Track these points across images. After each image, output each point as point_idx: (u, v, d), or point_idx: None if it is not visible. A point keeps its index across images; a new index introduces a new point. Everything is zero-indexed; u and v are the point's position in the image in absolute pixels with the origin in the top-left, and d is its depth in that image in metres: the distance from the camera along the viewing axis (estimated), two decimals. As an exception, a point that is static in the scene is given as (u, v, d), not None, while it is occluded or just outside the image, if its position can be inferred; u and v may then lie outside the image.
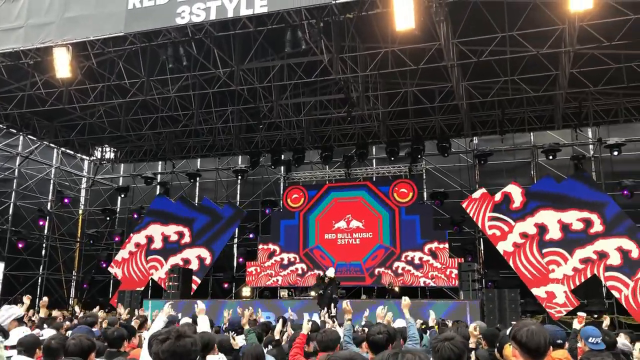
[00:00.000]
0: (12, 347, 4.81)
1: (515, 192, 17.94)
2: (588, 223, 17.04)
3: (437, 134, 20.09)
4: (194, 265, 20.87)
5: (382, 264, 19.40)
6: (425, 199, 20.82)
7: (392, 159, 19.99)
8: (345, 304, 6.22)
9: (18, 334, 5.06)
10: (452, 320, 8.50)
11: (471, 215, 18.18)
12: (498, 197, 17.99)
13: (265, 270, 20.58)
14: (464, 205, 18.39)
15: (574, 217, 17.20)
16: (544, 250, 17.19)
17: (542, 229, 17.40)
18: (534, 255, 17.21)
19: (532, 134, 20.22)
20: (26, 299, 7.39)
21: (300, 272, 20.24)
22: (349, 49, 14.97)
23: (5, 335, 5.25)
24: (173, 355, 2.59)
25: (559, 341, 4.53)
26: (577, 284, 16.75)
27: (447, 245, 18.92)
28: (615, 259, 16.62)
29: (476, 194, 18.36)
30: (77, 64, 14.38)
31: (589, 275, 16.73)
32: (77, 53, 13.60)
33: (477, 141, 20.91)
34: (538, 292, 16.82)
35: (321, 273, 18.91)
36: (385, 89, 18.33)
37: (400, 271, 19.13)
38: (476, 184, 20.17)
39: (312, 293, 17.51)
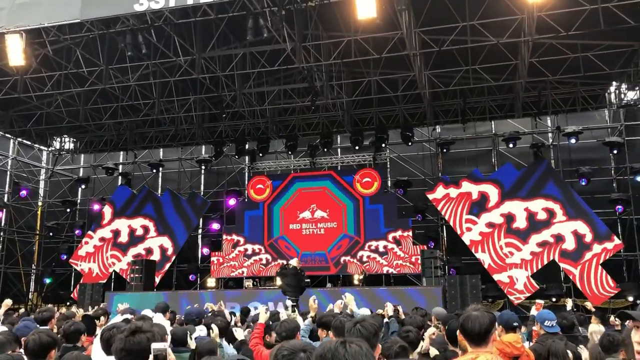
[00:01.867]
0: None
1: (493, 192, 18.13)
2: (551, 213, 17.42)
3: (400, 123, 20.24)
4: (156, 256, 20.58)
5: (347, 253, 19.51)
6: (389, 187, 20.99)
7: (357, 148, 20.06)
8: (312, 300, 6.23)
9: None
10: (413, 307, 8.61)
11: (446, 216, 18.34)
12: (475, 195, 18.17)
13: (229, 261, 20.46)
14: (433, 201, 18.52)
15: (539, 206, 17.55)
16: (504, 241, 17.48)
17: (509, 218, 17.70)
18: (501, 242, 17.51)
19: (493, 122, 20.55)
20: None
21: (264, 262, 20.20)
22: (312, 37, 14.91)
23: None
24: (129, 352, 2.55)
25: (514, 324, 4.63)
26: (537, 268, 17.11)
27: (410, 233, 19.12)
28: (570, 243, 17.02)
29: (453, 193, 18.37)
30: (31, 51, 13.93)
31: (545, 260, 17.09)
32: (31, 40, 13.14)
33: (439, 130, 21.16)
34: (500, 277, 17.16)
35: (284, 263, 18.98)
36: (349, 78, 18.36)
37: (365, 259, 19.27)
38: (439, 172, 20.42)
39: (278, 281, 17.53)
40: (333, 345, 1.89)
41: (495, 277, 17.21)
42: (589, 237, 16.86)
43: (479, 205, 18.04)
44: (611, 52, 15.25)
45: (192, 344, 4.82)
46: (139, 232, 21.36)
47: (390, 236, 19.18)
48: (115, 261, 21.14)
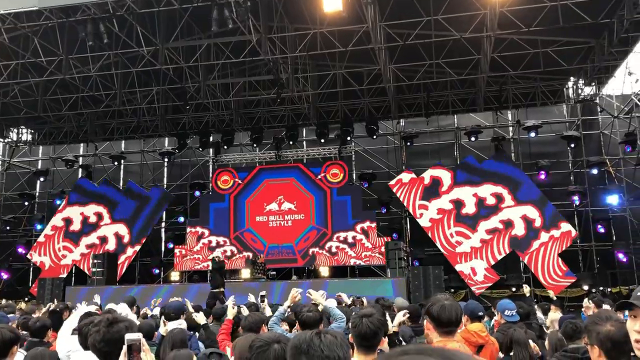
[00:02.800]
0: None
1: (445, 176, 18.42)
2: (499, 198, 17.77)
3: (365, 116, 20.38)
4: (111, 244, 20.22)
5: (315, 245, 19.55)
6: (354, 180, 21.12)
7: (322, 140, 20.09)
8: (295, 292, 6.24)
9: None
10: (377, 297, 8.72)
11: (401, 199, 18.57)
12: (427, 180, 18.45)
13: (193, 254, 20.27)
14: (392, 187, 18.75)
15: (488, 192, 17.88)
16: (454, 228, 17.79)
17: (458, 204, 17.99)
18: (450, 230, 17.81)
19: (455, 116, 20.89)
20: None
21: (228, 253, 20.09)
22: (278, 29, 14.85)
23: None
24: (108, 343, 2.55)
25: (479, 313, 4.75)
26: (488, 256, 17.39)
27: (376, 225, 19.31)
28: (519, 229, 17.31)
29: (405, 178, 18.67)
30: (-14, 39, 13.47)
31: (495, 247, 17.39)
32: (-14, 28, 12.73)
33: (403, 123, 21.38)
34: (462, 268, 17.48)
35: (250, 255, 18.95)
36: (315, 71, 18.37)
37: (334, 250, 19.36)
38: (403, 165, 20.65)
39: (245, 274, 17.55)
40: (308, 336, 1.91)
41: (458, 267, 17.54)
42: (538, 222, 17.19)
43: (432, 190, 18.25)
44: (569, 49, 15.68)
45: (165, 330, 4.80)
46: (92, 219, 20.86)
47: (358, 227, 19.31)
48: (67, 253, 20.58)
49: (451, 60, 15.97)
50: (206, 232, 20.42)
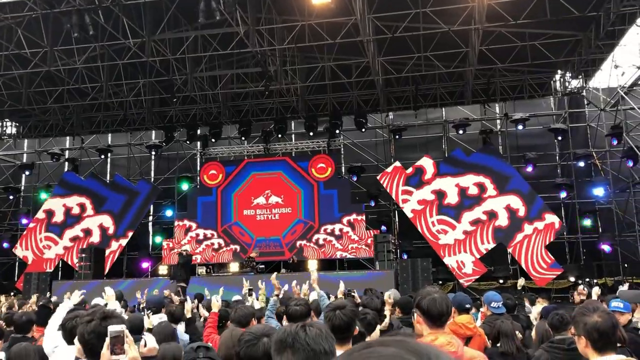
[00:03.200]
0: None
1: (428, 164, 18.50)
2: (482, 188, 17.84)
3: (354, 109, 20.35)
4: (96, 237, 20.09)
5: (302, 237, 19.56)
6: (343, 173, 21.12)
7: (311, 134, 20.05)
8: (274, 277, 6.22)
9: None
10: (365, 289, 8.73)
11: (387, 188, 18.61)
12: (410, 169, 18.51)
13: (181, 247, 20.17)
14: (380, 180, 18.78)
15: (470, 182, 17.93)
16: (436, 218, 17.85)
17: (440, 194, 18.04)
18: (433, 219, 17.87)
19: (443, 109, 20.94)
20: None
21: (216, 246, 20.04)
22: (266, 21, 14.77)
23: None
24: (99, 336, 2.52)
25: (467, 306, 4.77)
26: (472, 248, 17.46)
27: (364, 218, 19.34)
28: (503, 219, 17.40)
29: (389, 168, 18.76)
30: (-31, 30, 13.25)
31: (479, 239, 17.48)
32: (-32, 19, 12.52)
33: (392, 116, 21.38)
34: (449, 261, 17.57)
35: (237, 248, 18.91)
36: (303, 64, 18.30)
37: (321, 242, 19.37)
38: (392, 158, 20.67)
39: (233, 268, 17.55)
40: (293, 329, 1.89)
41: (446, 260, 17.62)
42: (522, 211, 17.29)
43: (415, 178, 18.28)
44: (557, 42, 15.74)
45: (150, 323, 4.77)
46: (75, 210, 20.70)
47: (345, 220, 19.34)
48: (51, 244, 20.42)
49: (439, 53, 15.97)
50: (194, 225, 20.34)
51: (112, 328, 2.49)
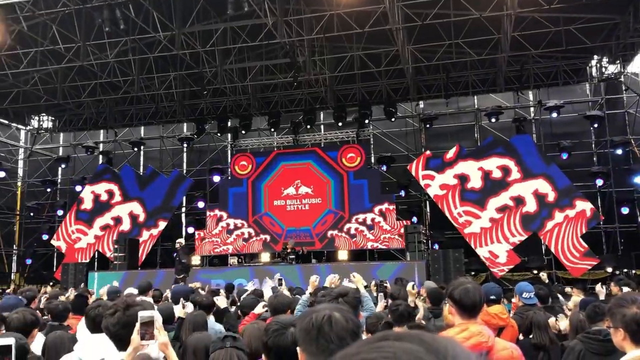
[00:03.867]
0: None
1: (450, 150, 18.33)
2: (506, 171, 17.48)
3: (383, 99, 20.19)
4: (126, 225, 20.46)
5: (333, 227, 19.54)
6: (372, 163, 21.01)
7: (340, 124, 19.97)
8: (314, 278, 6.23)
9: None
10: (395, 279, 8.68)
11: (414, 175, 18.44)
12: (429, 152, 18.35)
13: (211, 237, 20.42)
14: (410, 170, 18.61)
15: (494, 165, 17.58)
16: (462, 210, 17.58)
17: (463, 178, 17.75)
18: (457, 208, 17.62)
19: (475, 97, 20.60)
20: None
21: (246, 236, 20.19)
22: (294, 11, 14.71)
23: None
24: (124, 326, 2.56)
25: (492, 297, 4.68)
26: (499, 235, 17.10)
27: (394, 207, 19.22)
28: (531, 205, 17.01)
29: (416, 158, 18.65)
30: (5, 27, 13.57)
31: (506, 227, 17.16)
32: (5, 16, 12.83)
33: (422, 105, 21.14)
34: (482, 251, 17.34)
35: (267, 238, 19.00)
36: (332, 54, 18.19)
37: (353, 232, 19.33)
38: (422, 148, 20.47)
39: (264, 258, 17.69)
40: (319, 322, 1.83)
41: (478, 251, 17.40)
42: (551, 197, 16.88)
43: (437, 160, 18.10)
44: (593, 26, 15.28)
45: (183, 312, 4.82)
46: (104, 197, 21.08)
47: (376, 209, 19.22)
48: (81, 235, 20.89)
49: (471, 40, 15.68)
50: (224, 215, 20.53)
51: (143, 314, 2.52)
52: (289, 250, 16.68)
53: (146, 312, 2.54)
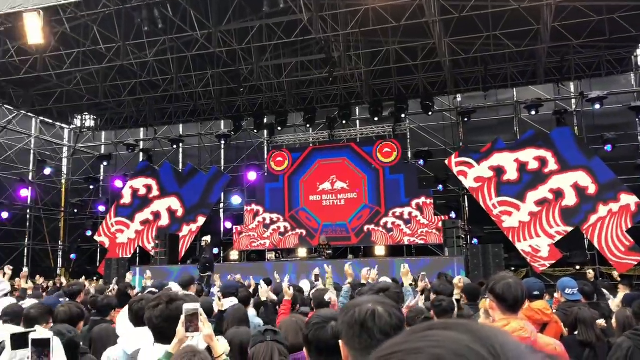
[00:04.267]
0: None
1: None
2: (543, 162, 17.08)
3: (420, 92, 20.00)
4: (165, 220, 20.85)
5: (369, 222, 19.48)
6: (409, 158, 20.85)
7: (376, 119, 19.87)
8: (348, 266, 6.25)
9: (3, 304, 5.05)
10: (439, 273, 8.59)
11: (452, 169, 18.26)
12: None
13: (248, 232, 20.62)
14: (449, 165, 18.40)
15: (530, 156, 17.21)
16: (497, 200, 17.25)
17: (499, 171, 17.42)
18: (494, 204, 17.31)
19: (515, 89, 20.20)
20: (7, 269, 7.31)
21: (282, 230, 20.33)
22: (329, 6, 14.69)
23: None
24: (167, 319, 2.61)
25: (535, 293, 4.59)
26: (537, 229, 16.76)
27: (432, 202, 19.04)
28: (570, 198, 16.59)
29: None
30: (49, 29, 13.97)
31: (545, 221, 16.76)
32: (48, 18, 13.20)
33: (460, 98, 20.85)
34: (522, 246, 17.03)
35: (304, 232, 19.09)
36: (367, 48, 18.11)
37: (390, 226, 19.22)
38: (460, 142, 20.21)
39: (301, 253, 17.78)
40: (362, 317, 1.81)
41: (518, 246, 17.10)
42: (592, 189, 16.44)
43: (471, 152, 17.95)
44: (638, 14, 14.77)
45: (220, 305, 4.91)
46: (142, 191, 21.55)
47: (413, 203, 19.08)
48: (123, 228, 21.37)
49: (509, 31, 15.35)
50: (261, 209, 20.72)
51: (187, 306, 2.58)
52: (325, 245, 16.74)
53: (191, 305, 2.59)
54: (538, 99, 18.89)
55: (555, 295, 6.33)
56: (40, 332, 2.31)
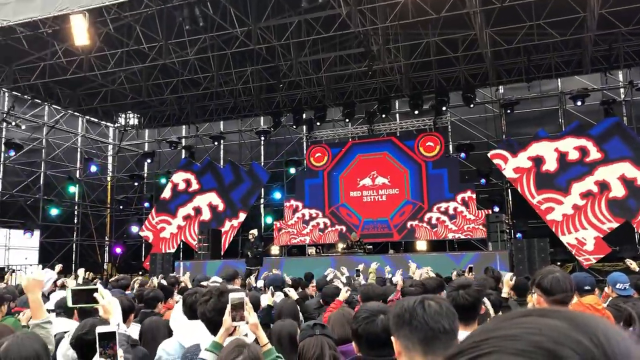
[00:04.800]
0: (52, 311, 4.97)
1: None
2: (584, 152, 16.60)
3: (461, 85, 19.68)
4: (206, 215, 21.16)
5: (412, 218, 19.30)
6: (451, 151, 20.56)
7: (416, 112, 19.63)
8: (374, 264, 6.22)
9: (56, 297, 5.22)
10: (485, 267, 8.45)
11: (498, 166, 17.92)
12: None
13: (287, 228, 20.73)
14: (492, 158, 18.06)
15: (570, 145, 16.75)
16: (539, 192, 16.80)
17: (538, 161, 17.00)
18: (531, 192, 16.89)
19: (559, 80, 19.66)
20: (57, 268, 7.55)
21: (322, 226, 20.35)
22: (368, 0, 14.58)
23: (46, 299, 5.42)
24: (220, 312, 2.67)
25: (586, 287, 4.46)
26: (582, 222, 16.31)
27: (475, 196, 18.77)
28: (618, 190, 16.04)
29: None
30: (94, 30, 14.34)
31: (590, 213, 16.29)
32: (93, 19, 13.54)
33: (502, 90, 20.43)
34: (568, 239, 16.60)
35: (344, 229, 19.08)
36: (407, 40, 17.90)
37: (434, 222, 19.02)
38: (503, 134, 19.81)
39: (340, 246, 17.79)
40: (411, 305, 1.82)
41: (564, 239, 16.67)
42: None
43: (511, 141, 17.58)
44: (691, -2, 14.16)
45: (272, 301, 4.95)
46: (181, 186, 21.94)
47: (459, 197, 18.82)
48: (165, 225, 21.78)
49: (553, 20, 14.92)
50: (300, 205, 20.80)
51: (233, 295, 2.62)
52: (357, 242, 16.72)
53: (237, 294, 2.64)
54: (584, 89, 18.34)
55: (606, 290, 6.15)
56: (104, 327, 2.37)
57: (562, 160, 16.73)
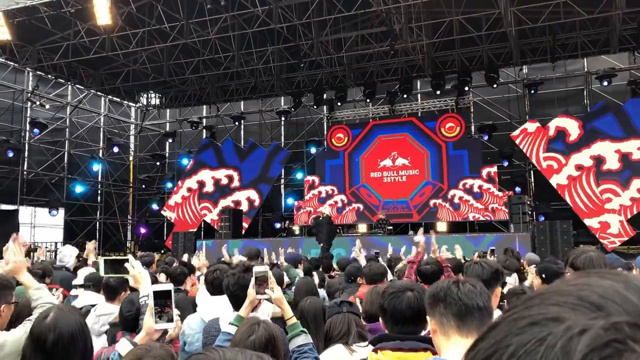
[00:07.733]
0: (81, 285, 5.09)
1: (571, 125, 17.27)
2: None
3: (484, 64, 19.36)
4: (244, 207, 21.34)
5: (434, 196, 19.22)
6: (472, 132, 20.34)
7: (438, 92, 19.41)
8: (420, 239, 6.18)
9: (84, 272, 5.34)
10: (505, 248, 8.40)
11: (523, 149, 17.68)
12: (552, 132, 17.37)
13: (306, 207, 20.81)
14: (514, 138, 17.86)
15: (634, 147, 16.53)
16: (600, 181, 16.66)
17: (598, 160, 16.81)
18: (591, 187, 16.70)
19: (585, 59, 19.26)
20: (92, 244, 7.62)
21: (340, 205, 20.40)
22: (390, -22, 14.39)
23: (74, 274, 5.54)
24: (243, 287, 2.72)
25: (619, 269, 4.42)
26: (634, 212, 16.22)
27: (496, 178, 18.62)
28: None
29: (531, 128, 17.71)
30: (116, 10, 14.39)
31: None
32: (116, -1, 13.59)
33: (526, 70, 20.08)
34: (591, 222, 16.44)
35: (361, 207, 19.05)
36: (429, 19, 17.63)
37: (457, 201, 18.94)
38: (526, 115, 19.54)
39: (362, 228, 17.80)
40: (446, 285, 1.90)
41: (587, 222, 16.50)
42: None
43: (558, 142, 17.18)
44: None
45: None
46: (224, 181, 22.15)
47: (484, 172, 18.69)
48: (207, 212, 22.10)
49: (581, -2, 14.60)
50: (316, 180, 20.89)
51: (257, 269, 2.68)
52: (384, 221, 16.69)
53: (261, 267, 2.70)
54: (611, 69, 17.97)
55: (634, 272, 6.08)
56: (160, 286, 2.40)
57: (624, 160, 16.62)
